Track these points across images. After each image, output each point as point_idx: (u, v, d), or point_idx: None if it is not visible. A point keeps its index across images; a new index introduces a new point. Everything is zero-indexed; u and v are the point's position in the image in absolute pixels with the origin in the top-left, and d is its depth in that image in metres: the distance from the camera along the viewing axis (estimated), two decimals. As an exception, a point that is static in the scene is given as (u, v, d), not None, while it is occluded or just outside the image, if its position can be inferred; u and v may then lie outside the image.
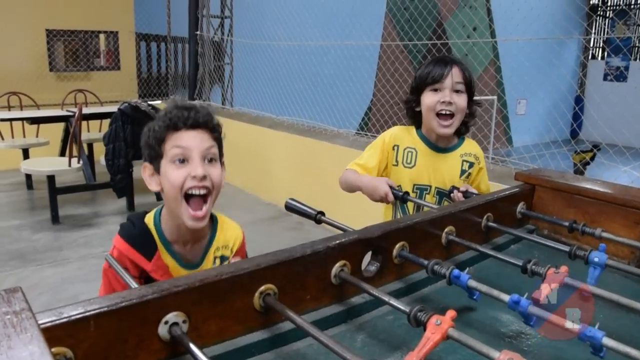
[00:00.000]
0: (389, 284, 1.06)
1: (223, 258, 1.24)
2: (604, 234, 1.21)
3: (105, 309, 0.71)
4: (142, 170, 1.21)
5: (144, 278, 1.17)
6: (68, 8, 8.18)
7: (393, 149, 1.78)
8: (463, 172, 1.76)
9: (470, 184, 1.76)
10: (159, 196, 1.43)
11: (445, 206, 1.21)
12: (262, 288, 0.85)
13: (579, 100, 10.23)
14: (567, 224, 1.27)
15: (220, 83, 7.20)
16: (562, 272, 0.96)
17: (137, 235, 1.19)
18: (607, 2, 12.02)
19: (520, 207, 1.39)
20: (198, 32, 6.99)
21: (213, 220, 1.27)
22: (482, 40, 8.30)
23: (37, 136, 5.67)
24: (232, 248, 1.27)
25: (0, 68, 7.49)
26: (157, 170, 1.17)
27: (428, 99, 1.70)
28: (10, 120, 5.23)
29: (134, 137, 4.35)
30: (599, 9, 11.82)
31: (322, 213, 1.26)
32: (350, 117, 5.50)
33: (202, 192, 1.12)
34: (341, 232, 1.11)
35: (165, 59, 8.19)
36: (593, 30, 12.24)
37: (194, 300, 0.79)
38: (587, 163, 7.18)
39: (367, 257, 1.03)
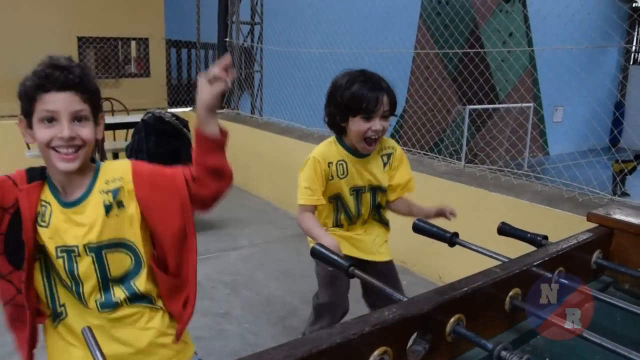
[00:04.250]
0: (440, 367, 0.83)
1: (115, 191, 1.24)
2: None
3: None
4: (18, 123, 1.23)
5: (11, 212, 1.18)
6: (100, 15, 8.18)
7: (328, 166, 1.98)
8: (385, 164, 2.02)
9: (394, 175, 2.04)
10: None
11: (509, 263, 0.97)
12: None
13: (619, 106, 9.83)
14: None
15: (250, 91, 7.05)
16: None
17: (35, 169, 1.25)
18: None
19: (596, 256, 1.15)
20: (227, 39, 6.85)
21: (97, 165, 1.28)
22: (519, 49, 7.99)
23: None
24: (125, 178, 1.25)
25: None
26: (29, 125, 1.19)
27: (359, 126, 1.86)
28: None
29: (157, 149, 4.20)
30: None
31: (356, 266, 1.04)
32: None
33: (70, 150, 1.16)
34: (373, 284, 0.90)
35: (196, 66, 8.10)
36: (636, 35, 11.77)
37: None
38: (626, 175, 6.76)
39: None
